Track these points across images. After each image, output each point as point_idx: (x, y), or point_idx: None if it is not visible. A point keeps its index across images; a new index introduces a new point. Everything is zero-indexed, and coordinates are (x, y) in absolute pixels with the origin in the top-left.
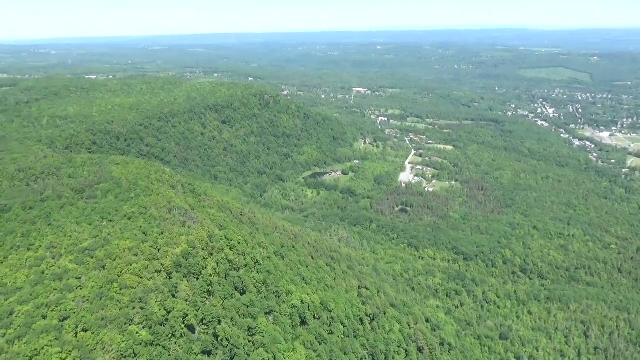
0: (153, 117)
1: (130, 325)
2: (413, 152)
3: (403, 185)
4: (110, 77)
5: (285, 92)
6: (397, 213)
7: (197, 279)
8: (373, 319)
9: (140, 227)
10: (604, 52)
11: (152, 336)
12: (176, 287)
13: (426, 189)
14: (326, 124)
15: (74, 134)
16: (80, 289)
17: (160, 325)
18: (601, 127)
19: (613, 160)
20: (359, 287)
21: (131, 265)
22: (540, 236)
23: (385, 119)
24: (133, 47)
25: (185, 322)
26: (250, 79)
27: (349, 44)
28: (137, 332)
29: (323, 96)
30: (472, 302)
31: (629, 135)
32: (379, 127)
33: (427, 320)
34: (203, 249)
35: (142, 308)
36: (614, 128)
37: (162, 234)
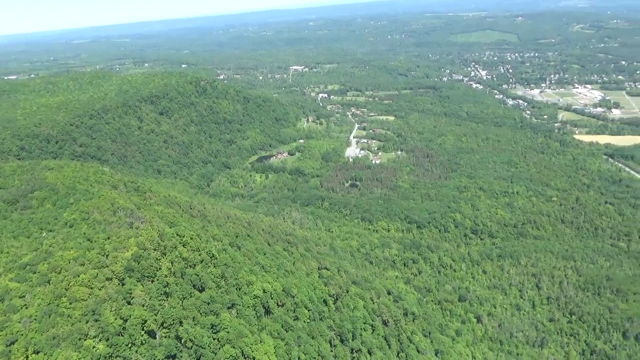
0: (84, 115)
1: (85, 340)
2: (357, 126)
3: (350, 160)
4: (32, 76)
5: (222, 77)
6: (347, 189)
7: (152, 281)
8: (337, 299)
9: (84, 234)
10: (528, 12)
11: (111, 348)
12: (130, 293)
13: (373, 162)
14: (267, 106)
15: None
16: (26, 308)
17: (118, 335)
18: (531, 85)
19: (545, 116)
20: (319, 268)
21: (79, 276)
22: (487, 196)
23: (326, 95)
24: (54, 43)
25: (145, 328)
26: (183, 65)
27: (280, 22)
28: (93, 347)
29: (261, 77)
30: (430, 269)
31: (557, 90)
32: (320, 104)
33: (388, 293)
34: (155, 250)
35: (96, 320)
36: (543, 85)
37: (108, 238)
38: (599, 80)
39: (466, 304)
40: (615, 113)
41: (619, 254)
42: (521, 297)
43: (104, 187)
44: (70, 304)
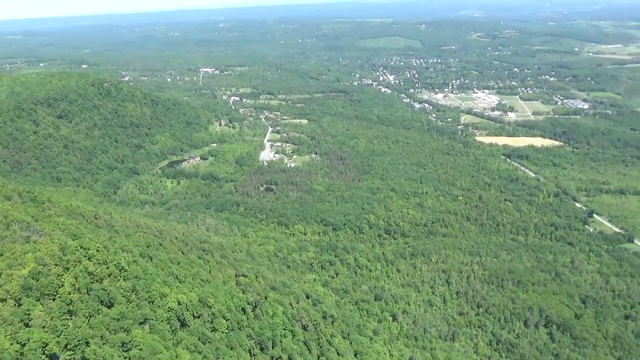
0: None
1: None
2: (270, 129)
3: (265, 164)
4: None
5: (127, 78)
6: (263, 193)
7: (54, 299)
8: (255, 307)
9: None
10: (430, 20)
11: None
12: (29, 314)
13: (288, 165)
14: (177, 109)
15: None
16: None
17: None
18: (436, 90)
19: (449, 119)
20: (236, 275)
21: None
22: (398, 197)
23: (238, 98)
24: None
25: (46, 352)
26: (84, 66)
27: (189, 22)
28: None
29: (169, 79)
30: (346, 270)
31: (459, 94)
32: (233, 108)
33: (307, 297)
34: (56, 265)
35: None
36: (446, 89)
37: (1, 255)
38: (495, 86)
39: (382, 303)
40: (511, 116)
41: (518, 248)
42: (433, 293)
43: None
44: None
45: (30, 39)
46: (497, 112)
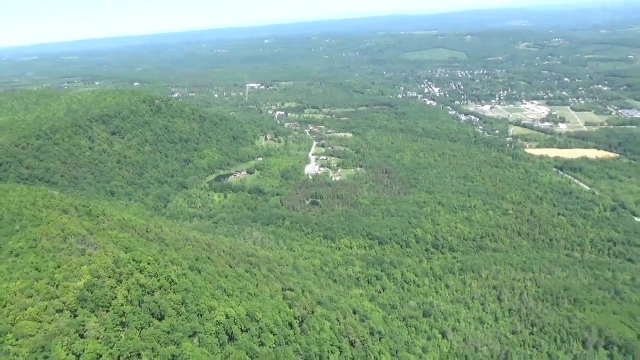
0: (30, 136)
1: None
2: (315, 143)
3: (310, 177)
4: None
5: (176, 95)
6: (308, 206)
7: (107, 311)
8: (302, 321)
9: (32, 263)
10: (476, 31)
11: None
12: (83, 326)
13: (333, 179)
14: (224, 124)
15: None
16: None
17: None
18: (482, 101)
19: (497, 131)
20: (283, 289)
21: (26, 309)
22: (446, 211)
23: (283, 112)
24: None
25: None
26: (136, 84)
27: (235, 40)
28: None
29: (216, 95)
30: (393, 285)
31: (506, 106)
32: (278, 122)
33: (354, 312)
34: (110, 277)
35: (46, 357)
36: (492, 101)
37: (58, 267)
38: (545, 96)
39: (431, 320)
40: (562, 127)
41: (573, 264)
42: (484, 311)
43: (53, 211)
44: (17, 340)
45: (87, 58)
46: (547, 123)
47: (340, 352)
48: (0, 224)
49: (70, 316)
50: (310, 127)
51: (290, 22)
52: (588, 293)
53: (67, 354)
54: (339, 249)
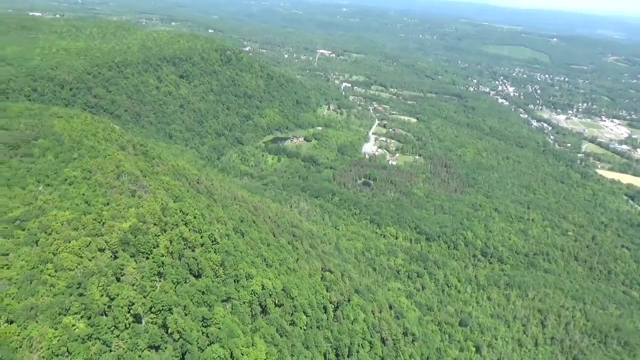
0: (103, 66)
1: (65, 316)
2: (377, 122)
3: (367, 156)
4: (57, 16)
5: (247, 49)
6: (360, 186)
7: (147, 259)
8: (337, 307)
9: (83, 195)
10: (563, 34)
11: (91, 328)
12: (122, 269)
13: (390, 162)
14: (289, 87)
15: (10, 77)
16: (7, 268)
17: (102, 315)
18: (558, 110)
19: (569, 144)
20: (322, 269)
21: (70, 242)
22: (501, 219)
23: (349, 85)
24: None
25: (131, 311)
26: (210, 30)
27: (313, 3)
28: (72, 325)
29: (286, 56)
30: (434, 286)
31: (583, 119)
32: (343, 93)
33: (390, 307)
34: (155, 224)
35: (80, 295)
36: (570, 111)
37: (107, 204)
38: (627, 117)
39: (467, 330)
40: None
41: (630, 304)
42: (524, 333)
43: (112, 146)
44: (56, 272)
45: None
46: (625, 146)
47: (371, 347)
48: (60, 149)
49: (111, 257)
50: (375, 105)
51: None
52: None
53: (102, 295)
54: (384, 236)
